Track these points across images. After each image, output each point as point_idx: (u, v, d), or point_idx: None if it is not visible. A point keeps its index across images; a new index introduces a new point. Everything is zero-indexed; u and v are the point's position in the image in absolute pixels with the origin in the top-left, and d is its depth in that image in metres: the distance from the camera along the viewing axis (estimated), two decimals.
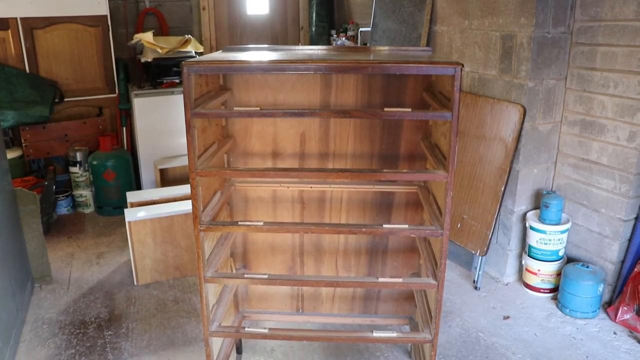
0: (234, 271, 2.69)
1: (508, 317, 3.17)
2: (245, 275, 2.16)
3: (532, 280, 3.37)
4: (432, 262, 2.19)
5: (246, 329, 2.26)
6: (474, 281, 3.49)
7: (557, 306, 3.24)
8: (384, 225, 2.02)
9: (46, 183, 4.39)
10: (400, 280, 2.11)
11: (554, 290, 3.33)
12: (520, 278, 3.52)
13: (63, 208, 4.80)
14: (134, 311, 3.32)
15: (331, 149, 2.51)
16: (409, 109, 2.00)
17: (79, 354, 2.93)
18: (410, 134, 2.46)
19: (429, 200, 2.32)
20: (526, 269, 3.40)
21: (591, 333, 3.02)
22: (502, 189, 3.26)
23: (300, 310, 2.79)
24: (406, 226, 2.03)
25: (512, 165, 3.28)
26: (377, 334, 2.18)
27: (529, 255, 3.36)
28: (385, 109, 1.95)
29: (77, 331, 3.12)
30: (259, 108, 2.06)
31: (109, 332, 3.11)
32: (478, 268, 3.43)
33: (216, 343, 2.43)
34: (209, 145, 2.30)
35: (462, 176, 3.52)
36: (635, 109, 2.95)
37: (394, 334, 2.18)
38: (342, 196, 2.57)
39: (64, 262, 3.98)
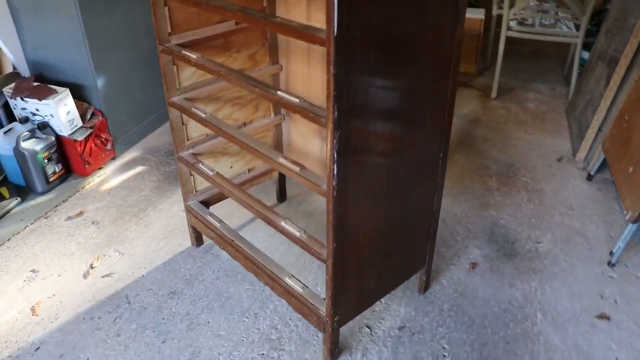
0: None
1: (608, 319, 2.12)
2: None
3: None
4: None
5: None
6: (610, 253, 2.38)
7: None
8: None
9: None
10: (297, 169, 1.58)
11: None
12: None
13: None
14: None
15: None
16: None
17: None
18: None
19: None
20: None
21: None
22: None
23: None
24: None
25: None
26: (285, 225, 1.75)
27: None
28: None
29: None
30: None
31: None
32: (622, 240, 2.30)
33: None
34: None
35: None
36: None
37: (297, 233, 1.71)
38: None
39: None
